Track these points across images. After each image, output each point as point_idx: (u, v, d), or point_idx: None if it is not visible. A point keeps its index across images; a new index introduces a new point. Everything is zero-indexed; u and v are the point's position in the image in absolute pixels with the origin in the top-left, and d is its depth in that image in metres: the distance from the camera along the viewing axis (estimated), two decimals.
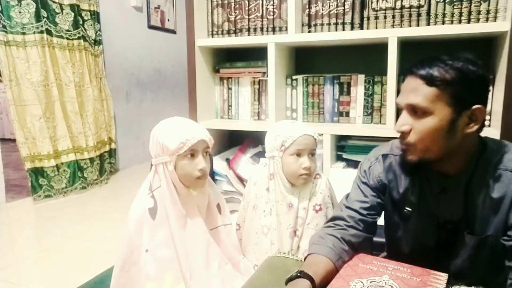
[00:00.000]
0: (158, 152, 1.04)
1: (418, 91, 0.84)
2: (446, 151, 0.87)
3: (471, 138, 0.88)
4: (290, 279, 0.85)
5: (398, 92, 1.70)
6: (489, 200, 0.88)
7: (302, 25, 1.81)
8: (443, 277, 0.82)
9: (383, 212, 1.07)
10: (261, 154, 1.95)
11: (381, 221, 1.08)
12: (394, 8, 1.64)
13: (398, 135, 0.93)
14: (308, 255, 0.96)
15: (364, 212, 1.01)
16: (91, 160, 3.23)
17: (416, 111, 0.85)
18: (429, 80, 0.83)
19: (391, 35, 1.60)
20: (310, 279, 0.84)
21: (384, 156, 1.02)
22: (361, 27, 1.71)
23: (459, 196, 0.90)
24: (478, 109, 0.84)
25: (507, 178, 0.86)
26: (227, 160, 1.98)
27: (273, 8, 1.85)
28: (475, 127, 0.85)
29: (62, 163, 3.02)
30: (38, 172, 2.86)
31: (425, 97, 0.83)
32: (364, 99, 1.81)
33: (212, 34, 2.00)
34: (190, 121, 1.10)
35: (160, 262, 1.02)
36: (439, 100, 0.83)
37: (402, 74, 1.71)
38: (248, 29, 1.92)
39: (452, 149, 0.87)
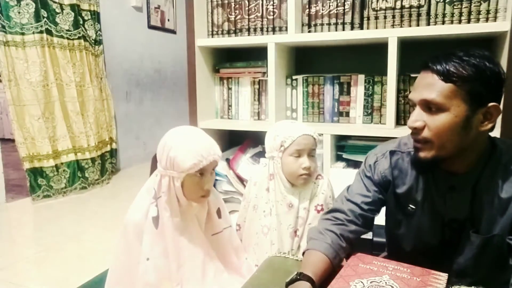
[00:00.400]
0: (167, 165, 1.02)
1: (433, 87, 0.83)
2: (459, 149, 0.86)
3: (483, 137, 0.88)
4: (291, 282, 0.85)
5: (398, 92, 1.70)
6: (498, 200, 0.87)
7: (302, 25, 1.81)
8: (443, 277, 0.82)
9: (382, 211, 1.07)
10: (261, 154, 1.95)
11: (381, 221, 1.08)
12: (394, 8, 1.64)
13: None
14: (306, 250, 0.96)
15: (365, 207, 1.01)
16: (93, 160, 3.23)
17: (431, 107, 0.84)
18: (446, 76, 0.82)
19: (391, 35, 1.60)
20: (310, 280, 0.84)
21: (392, 153, 1.02)
22: (361, 27, 1.71)
23: (466, 195, 0.90)
24: (494, 107, 0.83)
25: None
26: (227, 160, 1.98)
27: (273, 8, 1.85)
28: (490, 125, 0.85)
29: (61, 163, 3.02)
30: (37, 172, 2.86)
31: (441, 93, 0.82)
32: (364, 99, 1.81)
33: (212, 34, 2.00)
34: (203, 137, 1.07)
35: (160, 271, 1.02)
36: (455, 97, 0.82)
37: (402, 74, 1.71)
38: (248, 29, 1.92)
39: (465, 147, 0.86)
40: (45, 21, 2.86)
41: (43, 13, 2.85)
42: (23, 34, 2.76)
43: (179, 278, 1.03)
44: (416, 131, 0.87)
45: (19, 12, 2.73)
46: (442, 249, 0.96)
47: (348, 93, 1.84)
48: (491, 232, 0.89)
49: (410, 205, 0.98)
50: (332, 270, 0.91)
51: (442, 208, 0.94)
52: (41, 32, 2.84)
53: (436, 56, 0.85)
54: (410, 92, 0.92)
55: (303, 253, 0.97)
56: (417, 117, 0.86)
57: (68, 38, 3.05)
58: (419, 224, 0.98)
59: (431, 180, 0.95)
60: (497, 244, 0.88)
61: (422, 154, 0.88)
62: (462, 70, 0.81)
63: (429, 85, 0.83)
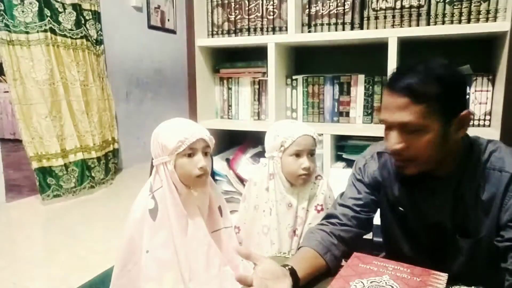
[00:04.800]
0: (158, 152, 1.05)
1: (406, 109, 0.82)
2: (441, 159, 0.87)
3: (460, 140, 0.88)
4: None
5: None
6: (480, 202, 0.87)
7: (302, 25, 1.81)
8: (443, 277, 0.82)
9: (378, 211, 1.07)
10: (261, 154, 1.95)
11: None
12: (394, 8, 1.64)
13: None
14: (297, 249, 0.97)
15: (357, 209, 1.01)
16: (98, 159, 3.22)
17: (408, 128, 0.83)
18: (416, 97, 0.80)
19: (391, 35, 1.60)
20: (292, 270, 0.83)
21: (379, 154, 1.03)
22: (361, 27, 1.71)
23: (448, 199, 0.90)
24: (466, 114, 0.83)
25: (495, 177, 0.85)
26: (227, 160, 1.98)
27: (273, 8, 1.85)
28: (465, 131, 0.85)
29: (70, 162, 3.00)
30: (46, 172, 2.84)
31: (416, 115, 0.81)
32: (364, 99, 1.81)
33: (212, 34, 2.00)
34: (189, 121, 1.10)
35: (160, 263, 1.02)
36: (430, 115, 0.81)
37: None
38: (248, 29, 1.92)
39: (445, 155, 0.87)
40: (49, 20, 2.86)
41: (47, 12, 2.84)
42: (27, 33, 2.75)
43: (183, 269, 1.03)
44: (397, 152, 0.86)
45: (22, 11, 2.73)
46: (435, 252, 0.96)
47: (348, 93, 1.84)
48: (479, 235, 0.88)
49: (400, 207, 0.99)
50: (326, 267, 0.91)
51: (426, 211, 0.94)
52: (45, 31, 2.83)
53: (399, 74, 0.84)
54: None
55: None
56: (397, 139, 0.85)
57: (71, 37, 3.04)
58: (410, 226, 0.98)
59: (415, 184, 0.95)
60: (486, 246, 0.88)
61: (408, 171, 0.89)
62: (429, 87, 0.80)
63: (401, 108, 0.82)
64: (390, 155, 0.92)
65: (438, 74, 0.81)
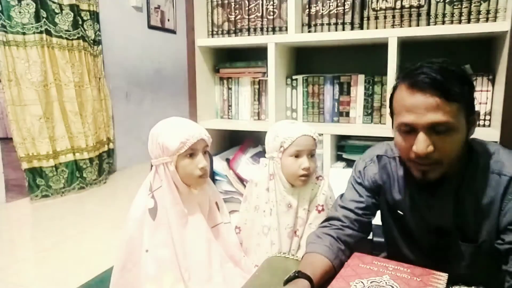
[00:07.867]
0: (158, 152, 1.05)
1: (439, 109, 0.78)
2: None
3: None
4: (289, 280, 0.85)
5: None
6: (480, 206, 0.86)
7: (302, 25, 1.81)
8: (443, 277, 0.82)
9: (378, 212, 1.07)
10: (261, 154, 1.95)
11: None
12: (394, 8, 1.64)
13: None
14: (305, 254, 0.97)
15: (360, 212, 1.01)
16: (91, 160, 3.23)
17: (439, 129, 0.80)
18: (449, 96, 0.78)
19: (391, 35, 1.60)
20: (309, 278, 0.84)
21: (379, 157, 1.02)
22: (361, 27, 1.71)
23: (449, 202, 0.90)
24: (477, 113, 0.85)
25: (495, 181, 0.85)
26: (227, 160, 1.98)
27: (273, 8, 1.85)
28: (474, 131, 0.86)
29: (60, 163, 3.02)
30: (35, 172, 2.86)
31: (450, 114, 0.78)
32: (364, 99, 1.81)
33: (212, 34, 2.00)
34: (187, 121, 1.10)
35: (160, 262, 1.02)
36: (460, 114, 0.80)
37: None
38: (248, 29, 1.92)
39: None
40: (44, 21, 2.86)
41: (43, 13, 2.84)
42: (24, 34, 2.76)
43: (184, 267, 1.03)
44: (426, 156, 0.81)
45: (19, 12, 2.73)
46: (436, 256, 0.95)
47: (348, 93, 1.84)
48: (479, 239, 0.88)
49: (398, 211, 0.99)
50: (334, 272, 0.91)
51: (427, 215, 0.94)
52: (41, 32, 2.83)
53: (426, 74, 0.79)
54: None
55: (302, 257, 0.97)
56: (427, 142, 0.80)
57: (67, 39, 3.04)
58: (410, 229, 0.98)
59: (415, 187, 0.95)
60: (487, 250, 0.88)
61: (432, 175, 0.85)
62: (459, 86, 0.79)
63: (434, 108, 0.78)
64: (411, 161, 0.86)
65: (459, 72, 0.81)
